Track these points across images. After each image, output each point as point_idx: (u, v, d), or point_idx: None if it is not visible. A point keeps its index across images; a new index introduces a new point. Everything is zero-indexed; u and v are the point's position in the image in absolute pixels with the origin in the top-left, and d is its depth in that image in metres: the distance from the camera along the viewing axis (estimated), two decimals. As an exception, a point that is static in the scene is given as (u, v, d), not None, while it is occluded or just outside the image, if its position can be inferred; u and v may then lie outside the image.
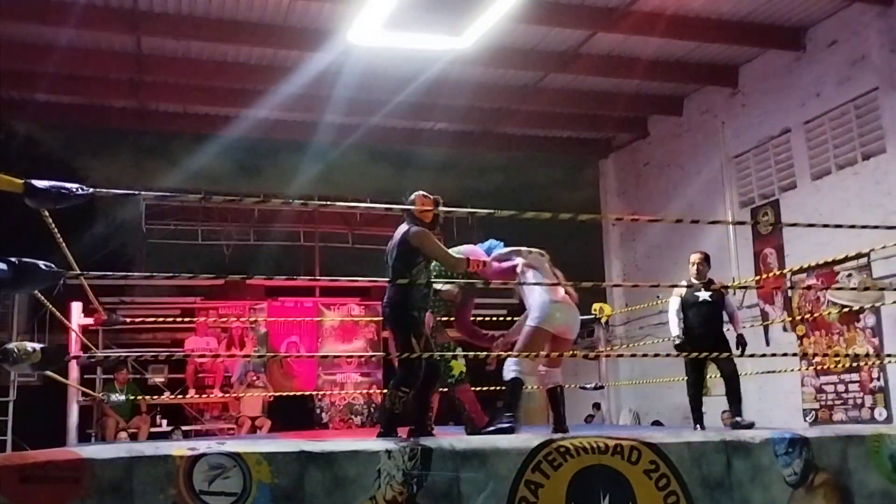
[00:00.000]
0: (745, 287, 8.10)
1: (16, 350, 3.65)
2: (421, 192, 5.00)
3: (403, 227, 4.89)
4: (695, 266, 6.92)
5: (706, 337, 6.58)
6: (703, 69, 11.77)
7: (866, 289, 9.02)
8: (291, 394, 11.18)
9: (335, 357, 13.17)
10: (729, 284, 7.87)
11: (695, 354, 6.35)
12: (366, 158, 16.93)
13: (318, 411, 13.37)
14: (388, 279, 4.80)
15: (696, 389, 6.88)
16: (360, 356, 13.09)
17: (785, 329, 10.67)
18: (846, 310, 9.57)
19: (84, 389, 7.91)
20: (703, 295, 6.76)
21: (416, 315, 4.80)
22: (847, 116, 10.11)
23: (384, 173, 18.40)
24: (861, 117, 9.95)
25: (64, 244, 5.21)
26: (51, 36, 9.95)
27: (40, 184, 3.52)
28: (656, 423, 12.01)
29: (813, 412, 10.23)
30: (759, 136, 11.45)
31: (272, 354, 12.56)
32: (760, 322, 10.66)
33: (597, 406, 12.83)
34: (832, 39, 10.30)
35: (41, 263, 3.49)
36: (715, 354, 6.42)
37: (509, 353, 5.58)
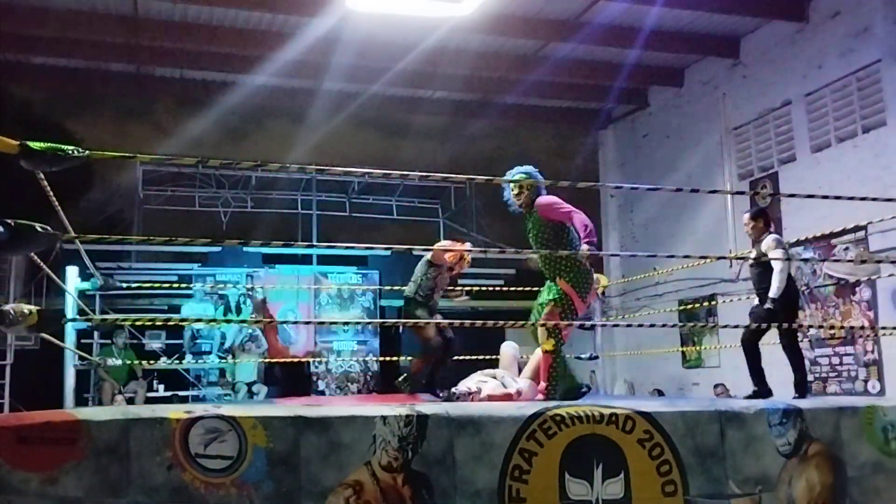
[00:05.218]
0: (742, 258, 8.11)
1: (12, 312, 3.64)
2: None
3: None
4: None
5: None
6: (705, 40, 11.67)
7: (863, 262, 9.02)
8: (288, 360, 11.21)
9: (332, 324, 13.19)
10: (726, 256, 7.88)
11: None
12: (360, 127, 16.79)
13: (314, 378, 13.44)
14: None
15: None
16: (357, 323, 13.11)
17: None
18: (842, 283, 9.59)
19: (81, 353, 7.93)
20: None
21: None
22: (848, 89, 10.04)
23: (378, 143, 18.25)
24: (862, 90, 9.88)
25: (59, 208, 5.18)
26: (47, -2, 9.84)
27: (36, 145, 3.49)
28: (658, 393, 12.01)
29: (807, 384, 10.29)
30: (760, 107, 11.39)
31: (269, 321, 12.58)
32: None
33: (591, 372, 12.87)
34: (835, 10, 10.20)
35: (37, 226, 3.47)
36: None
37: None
